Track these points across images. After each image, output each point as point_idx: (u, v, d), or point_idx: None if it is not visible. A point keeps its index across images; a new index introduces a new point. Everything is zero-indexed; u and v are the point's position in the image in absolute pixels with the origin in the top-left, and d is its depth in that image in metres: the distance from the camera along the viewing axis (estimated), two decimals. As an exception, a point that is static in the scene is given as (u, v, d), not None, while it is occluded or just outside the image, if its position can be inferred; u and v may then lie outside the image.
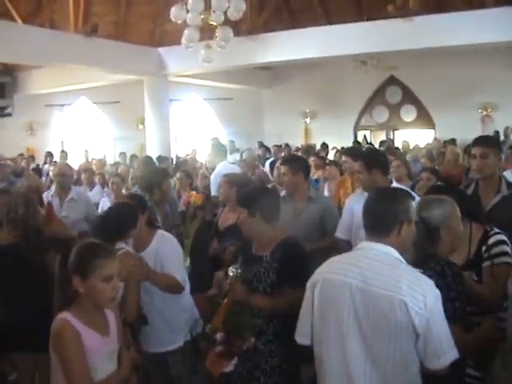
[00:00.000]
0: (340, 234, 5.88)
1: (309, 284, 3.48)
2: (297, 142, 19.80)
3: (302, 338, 3.55)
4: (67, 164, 8.61)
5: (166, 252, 4.89)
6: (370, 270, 3.20)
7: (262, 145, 18.71)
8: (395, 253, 3.25)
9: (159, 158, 13.74)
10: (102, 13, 17.54)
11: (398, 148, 17.15)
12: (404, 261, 3.28)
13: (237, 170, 9.19)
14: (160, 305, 4.86)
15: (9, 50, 13.37)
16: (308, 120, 22.52)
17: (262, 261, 4.27)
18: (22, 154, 18.18)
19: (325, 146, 18.47)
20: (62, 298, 3.44)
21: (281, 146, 17.18)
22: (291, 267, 4.11)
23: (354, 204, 5.72)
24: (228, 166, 9.23)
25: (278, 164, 7.81)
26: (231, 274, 4.21)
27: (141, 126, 20.66)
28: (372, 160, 5.80)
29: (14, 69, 20.29)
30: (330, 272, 3.40)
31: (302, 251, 4.34)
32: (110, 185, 9.51)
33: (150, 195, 6.77)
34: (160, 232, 5.10)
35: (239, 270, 4.21)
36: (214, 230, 6.69)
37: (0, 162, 8.97)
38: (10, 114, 20.65)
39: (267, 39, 15.04)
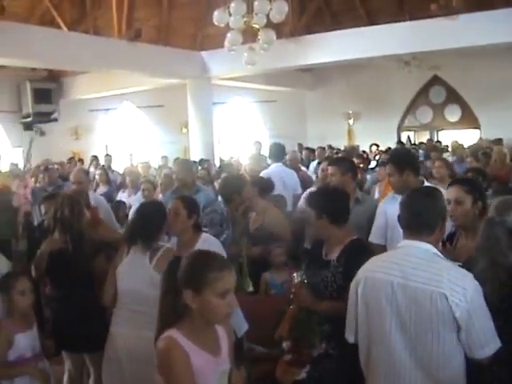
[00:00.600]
0: (374, 238, 5.61)
1: (353, 283, 3.58)
2: (340, 143, 19.66)
3: (349, 335, 3.66)
4: (83, 170, 8.48)
5: None
6: (410, 266, 3.29)
7: (301, 147, 18.64)
8: (434, 249, 3.35)
9: (201, 160, 13.81)
10: (145, 18, 17.71)
11: (443, 148, 16.91)
12: (442, 256, 3.38)
13: (289, 171, 9.24)
14: None
15: (54, 57, 13.64)
16: (351, 121, 22.43)
17: (330, 265, 4.23)
18: (71, 158, 18.39)
19: (375, 147, 18.24)
20: (169, 314, 3.04)
21: (324, 148, 17.10)
22: (356, 271, 4.05)
23: (388, 207, 5.58)
24: (281, 167, 9.25)
25: (323, 165, 7.74)
26: (296, 281, 4.16)
27: (184, 130, 20.75)
28: (403, 161, 5.65)
29: (59, 75, 20.63)
30: (371, 271, 3.50)
31: (367, 254, 4.25)
32: (141, 191, 9.15)
33: (226, 202, 6.71)
34: (204, 235, 5.16)
35: (304, 276, 4.17)
36: (247, 232, 6.63)
37: (48, 166, 9.08)
38: (55, 120, 20.92)
39: (309, 41, 15.04)
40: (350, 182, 6.11)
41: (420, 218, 3.38)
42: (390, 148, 16.23)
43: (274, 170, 8.95)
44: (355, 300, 3.55)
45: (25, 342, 4.40)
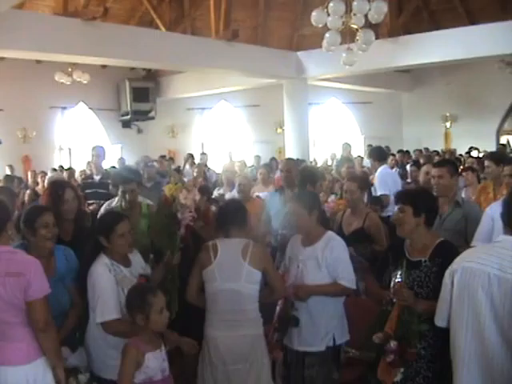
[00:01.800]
0: (478, 243, 5.32)
1: (447, 272, 3.65)
2: (436, 146, 19.34)
3: (440, 321, 3.73)
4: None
5: (333, 254, 4.91)
6: (508, 259, 3.34)
7: (388, 149, 18.34)
8: None
9: (297, 161, 13.80)
10: (242, 19, 17.90)
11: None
12: None
13: (394, 174, 9.34)
14: (311, 306, 4.87)
15: (153, 56, 13.96)
16: (448, 124, 21.93)
17: (421, 266, 4.23)
18: (164, 156, 18.73)
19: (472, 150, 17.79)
20: None
21: (421, 150, 16.89)
22: None
23: (495, 212, 5.44)
24: (388, 168, 9.55)
25: (426, 168, 7.61)
26: (396, 280, 4.13)
27: (279, 130, 20.91)
28: None
29: (157, 74, 21.16)
30: (469, 261, 3.55)
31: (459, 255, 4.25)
32: (236, 186, 8.94)
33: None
34: (330, 233, 5.13)
35: (403, 275, 4.14)
36: (340, 234, 6.58)
37: (147, 163, 9.31)
38: (153, 118, 21.43)
39: (407, 41, 14.81)
40: (455, 185, 6.03)
41: None
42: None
43: (385, 171, 9.28)
44: (450, 289, 3.61)
45: (154, 362, 3.97)
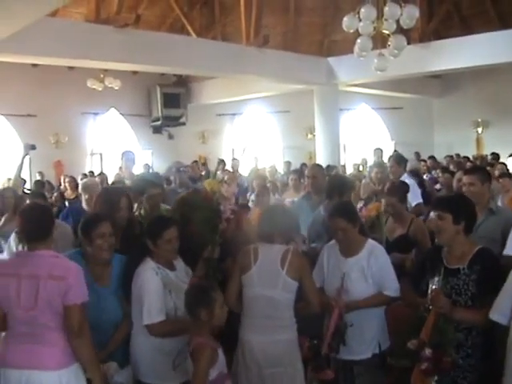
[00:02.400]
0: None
1: None
2: (468, 152, 19.13)
3: (499, 316, 3.77)
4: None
5: (378, 261, 4.89)
6: None
7: (418, 156, 18.24)
8: None
9: (327, 167, 13.78)
10: (272, 24, 17.90)
11: None
12: None
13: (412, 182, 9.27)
14: (357, 315, 4.80)
15: (184, 63, 14.08)
16: (480, 130, 21.68)
17: (459, 273, 4.19)
18: (196, 162, 18.78)
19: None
20: None
21: (452, 156, 16.74)
22: (493, 279, 4.01)
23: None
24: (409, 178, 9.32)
25: (458, 175, 7.52)
26: (433, 286, 4.11)
27: (310, 136, 20.88)
28: None
29: (187, 80, 21.27)
30: None
31: (499, 263, 4.24)
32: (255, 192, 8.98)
33: (328, 199, 6.67)
34: (371, 241, 5.08)
35: (440, 282, 4.11)
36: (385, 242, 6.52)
37: (179, 168, 9.34)
38: (184, 123, 21.55)
39: (438, 46, 14.75)
40: (487, 192, 5.92)
41: None
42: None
43: (410, 180, 9.00)
44: None
45: (222, 357, 4.03)
